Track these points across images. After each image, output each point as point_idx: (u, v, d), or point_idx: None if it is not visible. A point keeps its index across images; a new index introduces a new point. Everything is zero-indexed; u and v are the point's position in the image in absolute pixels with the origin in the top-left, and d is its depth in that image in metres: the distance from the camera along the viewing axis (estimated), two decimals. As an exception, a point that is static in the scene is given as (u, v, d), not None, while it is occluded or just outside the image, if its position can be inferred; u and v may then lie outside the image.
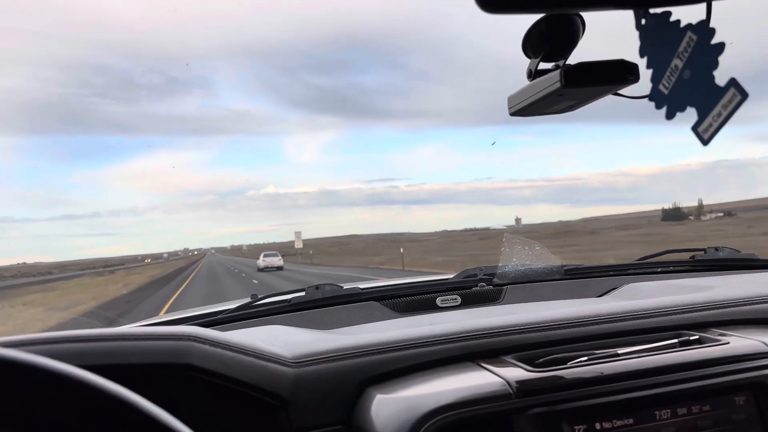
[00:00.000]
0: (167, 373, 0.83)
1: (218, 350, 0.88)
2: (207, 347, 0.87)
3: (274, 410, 0.91)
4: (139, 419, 0.43)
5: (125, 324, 1.67)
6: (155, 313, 9.78)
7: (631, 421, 0.87)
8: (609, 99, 0.93)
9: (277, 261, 41.54)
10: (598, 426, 0.86)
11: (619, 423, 0.87)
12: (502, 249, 1.71)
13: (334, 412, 0.92)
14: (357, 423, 0.90)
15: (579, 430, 0.85)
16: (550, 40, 0.90)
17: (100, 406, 0.43)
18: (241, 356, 0.90)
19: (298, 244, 48.96)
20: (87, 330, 0.79)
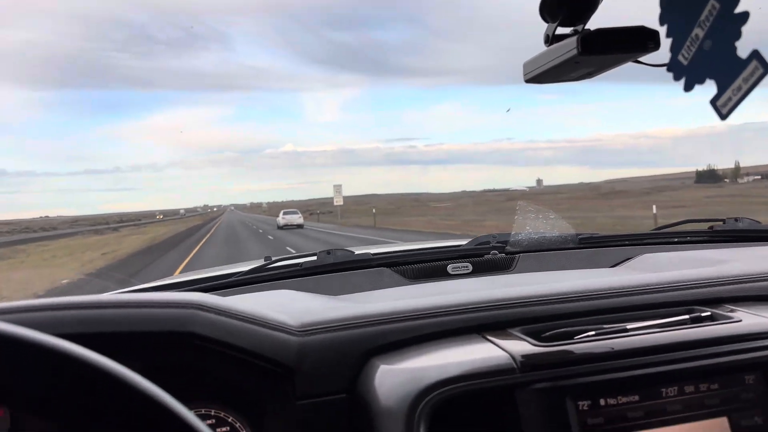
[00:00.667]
0: (171, 341, 0.83)
1: (222, 318, 0.88)
2: (211, 315, 0.87)
3: (278, 378, 0.91)
4: (121, 389, 0.42)
5: (136, 285, 1.69)
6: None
7: (636, 398, 0.86)
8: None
9: (297, 219, 41.09)
10: (602, 402, 0.85)
11: (624, 400, 0.86)
12: (516, 216, 1.69)
13: (338, 381, 0.92)
14: (360, 392, 0.90)
15: (583, 405, 0.85)
16: (568, 4, 0.87)
17: (87, 378, 0.42)
18: (246, 324, 0.90)
19: (338, 201, 43.91)
20: (89, 297, 0.80)
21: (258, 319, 0.92)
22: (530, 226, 1.68)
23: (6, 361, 0.41)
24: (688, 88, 0.76)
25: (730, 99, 0.71)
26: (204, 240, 30.98)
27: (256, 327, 0.91)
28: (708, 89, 0.74)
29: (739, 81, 0.70)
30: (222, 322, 0.87)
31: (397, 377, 0.87)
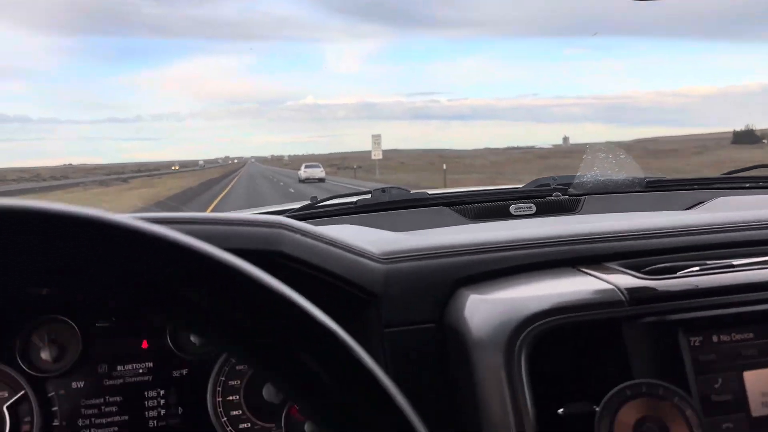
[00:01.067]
0: (258, 260, 0.78)
1: (310, 240, 0.84)
2: (299, 236, 0.82)
3: (363, 304, 0.87)
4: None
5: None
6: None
7: (751, 335, 0.80)
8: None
9: (319, 173, 40.23)
10: (715, 338, 0.80)
11: (738, 336, 0.80)
12: (583, 156, 1.61)
13: (425, 310, 0.88)
14: (449, 322, 0.86)
15: (695, 341, 0.79)
16: None
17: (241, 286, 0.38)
18: (333, 248, 0.85)
19: (377, 154, 38.59)
20: (182, 213, 0.75)
21: (342, 244, 0.88)
22: (597, 167, 1.61)
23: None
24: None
25: None
26: (221, 197, 26.67)
27: (341, 251, 0.86)
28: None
29: None
30: (309, 244, 0.83)
31: (491, 308, 0.82)
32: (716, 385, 0.78)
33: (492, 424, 0.77)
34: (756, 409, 0.78)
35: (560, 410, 0.75)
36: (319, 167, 42.23)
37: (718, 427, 0.76)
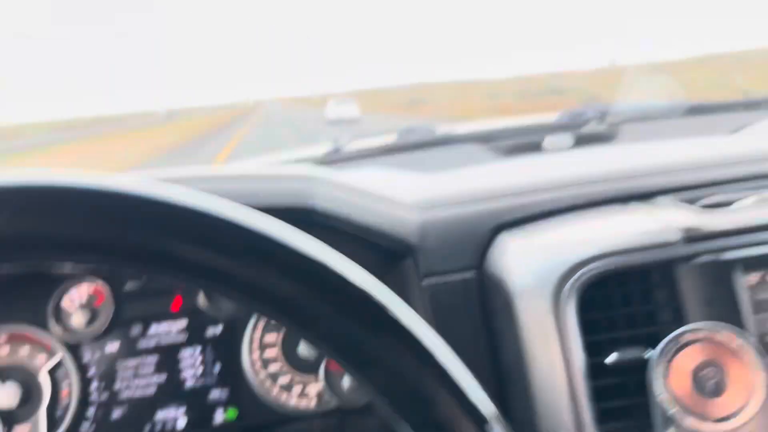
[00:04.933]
0: (288, 217, 0.75)
1: (341, 193, 0.80)
2: (330, 189, 0.78)
3: (400, 256, 0.84)
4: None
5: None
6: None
7: None
8: None
9: (352, 111, 29.37)
10: None
11: None
12: (620, 83, 1.53)
13: (464, 257, 0.84)
14: (491, 270, 0.82)
15: (753, 279, 0.74)
16: None
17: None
18: (365, 200, 0.81)
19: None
20: (204, 169, 0.72)
21: (375, 194, 0.83)
22: (634, 93, 1.53)
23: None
24: None
25: None
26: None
27: (374, 203, 0.82)
28: None
29: None
30: (341, 197, 0.79)
31: (537, 253, 0.78)
32: None
33: (539, 374, 0.74)
34: None
35: (610, 358, 0.71)
36: (352, 103, 30.94)
37: None
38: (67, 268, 0.90)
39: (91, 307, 0.91)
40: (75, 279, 0.91)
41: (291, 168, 0.81)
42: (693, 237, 0.75)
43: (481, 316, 0.83)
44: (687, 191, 0.88)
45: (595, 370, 0.72)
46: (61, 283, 0.91)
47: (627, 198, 0.87)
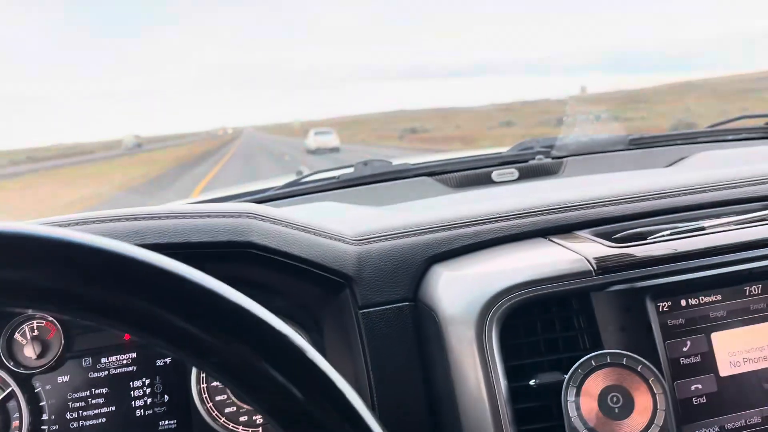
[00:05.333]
0: (227, 252, 0.79)
1: (279, 227, 0.84)
2: (268, 224, 0.83)
3: (337, 288, 0.88)
4: (214, 299, 0.38)
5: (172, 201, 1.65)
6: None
7: (719, 297, 0.81)
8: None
9: (332, 141, 31.54)
10: (683, 302, 0.81)
11: (706, 299, 0.81)
12: (563, 118, 1.60)
13: (400, 289, 0.89)
14: (424, 300, 0.87)
15: (663, 306, 0.80)
16: None
17: (169, 286, 0.38)
18: (303, 233, 0.86)
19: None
20: (145, 207, 0.76)
21: (313, 229, 0.88)
22: (578, 128, 1.60)
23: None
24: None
25: None
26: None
27: (312, 236, 0.87)
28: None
29: None
30: (278, 231, 0.83)
31: (464, 283, 0.83)
32: (685, 348, 0.79)
33: (466, 399, 0.79)
34: (724, 369, 0.79)
35: (532, 381, 0.76)
36: (331, 134, 33.29)
37: (688, 389, 0.78)
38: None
39: (41, 341, 0.93)
40: (26, 314, 0.94)
41: (230, 204, 0.85)
42: (606, 268, 0.81)
43: (416, 345, 0.88)
44: (607, 224, 0.94)
45: (519, 393, 0.77)
46: (12, 318, 0.94)
47: (551, 230, 0.93)
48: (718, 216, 0.94)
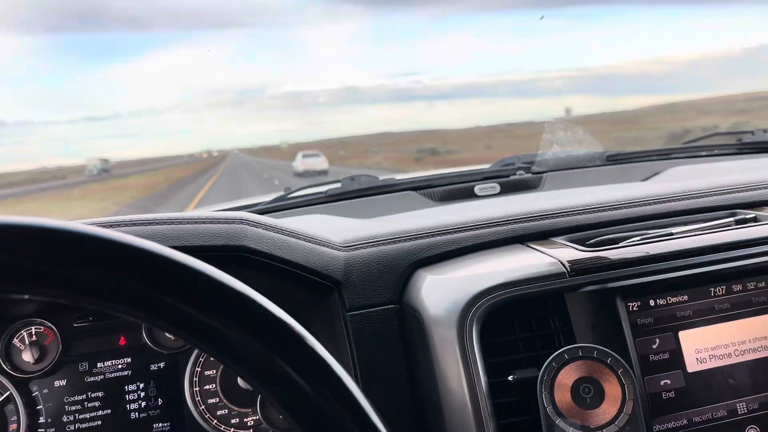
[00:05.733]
0: (221, 255, 0.83)
1: (271, 233, 0.88)
2: (260, 230, 0.87)
3: (326, 291, 0.92)
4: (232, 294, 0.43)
5: None
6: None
7: (685, 297, 0.86)
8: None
9: (321, 163, 31.50)
10: (652, 302, 0.86)
11: (673, 299, 0.86)
12: (543, 135, 1.67)
13: (386, 292, 0.93)
14: (409, 303, 0.91)
15: (633, 306, 0.85)
16: None
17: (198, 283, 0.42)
18: (293, 239, 0.90)
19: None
20: (143, 214, 0.80)
21: (303, 235, 0.93)
22: (557, 144, 1.67)
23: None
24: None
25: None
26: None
27: (302, 242, 0.91)
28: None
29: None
30: (271, 237, 0.88)
31: (446, 286, 0.88)
32: (654, 346, 0.84)
33: (449, 395, 0.83)
34: (691, 365, 0.84)
35: (510, 377, 0.81)
36: (319, 156, 33.29)
37: (657, 384, 0.82)
38: (14, 307, 0.96)
39: (39, 346, 0.97)
40: (25, 319, 0.98)
41: (225, 212, 0.90)
42: (580, 270, 0.86)
43: (401, 345, 0.92)
44: (581, 231, 0.99)
45: (499, 389, 0.81)
46: (11, 324, 0.97)
47: (528, 237, 0.98)
48: (686, 223, 0.99)
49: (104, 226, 0.78)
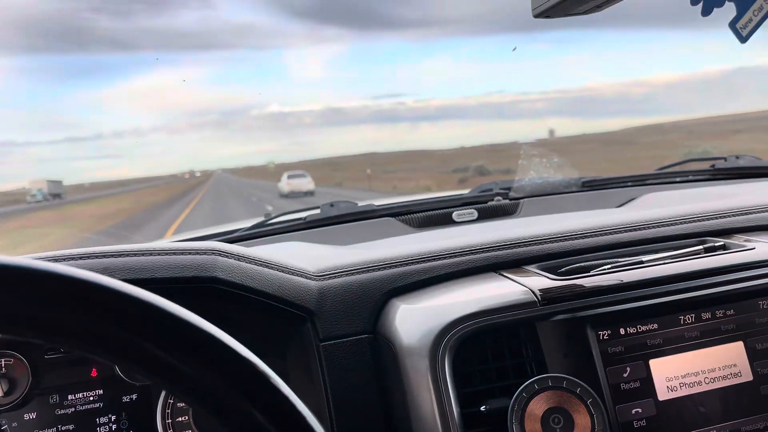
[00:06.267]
0: (193, 287, 0.83)
1: (243, 264, 0.88)
2: (232, 261, 0.87)
3: (299, 321, 0.92)
4: (184, 328, 0.42)
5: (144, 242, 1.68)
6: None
7: (655, 326, 0.87)
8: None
9: (307, 184, 30.07)
10: (622, 331, 0.86)
11: (643, 328, 0.87)
12: (519, 162, 1.69)
13: (359, 322, 0.93)
14: (383, 332, 0.91)
15: (603, 335, 0.86)
16: None
17: (142, 316, 0.42)
18: (266, 269, 0.90)
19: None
20: (113, 245, 0.79)
21: (276, 265, 0.93)
22: (533, 171, 1.69)
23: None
24: (706, 12, 0.74)
25: (750, 20, 0.70)
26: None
27: (275, 272, 0.91)
28: (726, 13, 0.73)
29: (760, 1, 0.69)
30: (242, 267, 0.88)
31: (419, 315, 0.88)
32: (625, 374, 0.85)
33: (422, 426, 0.83)
34: (662, 393, 0.85)
35: (482, 407, 0.81)
36: (305, 177, 31.52)
37: (628, 413, 0.83)
38: None
39: (9, 378, 0.95)
40: (-6, 351, 0.96)
41: (196, 243, 0.90)
42: (550, 299, 0.86)
43: (374, 375, 0.92)
44: (554, 259, 1.00)
45: (472, 419, 0.81)
46: None
47: (501, 265, 0.99)
48: (656, 251, 1.01)
49: (75, 258, 0.77)
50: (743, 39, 0.72)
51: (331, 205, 1.69)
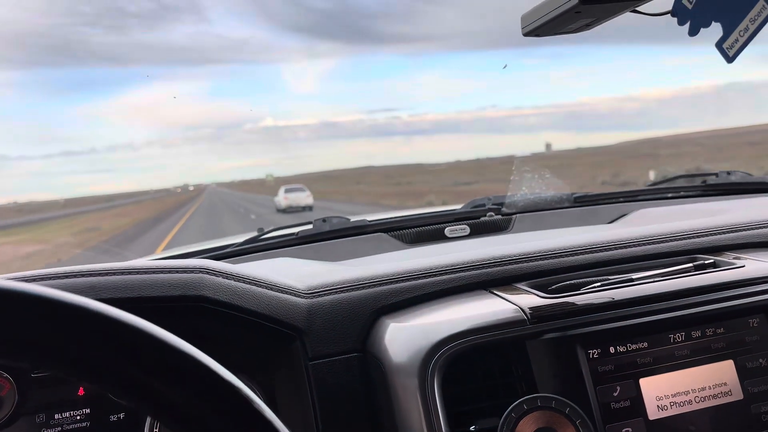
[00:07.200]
0: (180, 306, 0.83)
1: (231, 282, 0.88)
2: (220, 279, 0.86)
3: (288, 340, 0.92)
4: (166, 351, 0.42)
5: (133, 258, 1.67)
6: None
7: (645, 344, 0.87)
8: (623, 17, 0.89)
9: (305, 198, 29.12)
10: (612, 350, 0.86)
11: (633, 347, 0.87)
12: (511, 177, 1.69)
13: (348, 340, 0.92)
14: (372, 350, 0.91)
15: (593, 354, 0.86)
16: None
17: (122, 338, 0.41)
18: (254, 287, 0.90)
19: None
20: (99, 264, 0.79)
21: (265, 283, 0.92)
22: (525, 186, 1.69)
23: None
24: (693, 32, 0.75)
25: (736, 40, 0.71)
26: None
27: (263, 290, 0.91)
28: (713, 33, 0.74)
29: (746, 21, 0.69)
30: (231, 286, 0.87)
31: (408, 334, 0.87)
32: (615, 393, 0.84)
33: None
34: (652, 413, 0.84)
35: (472, 428, 0.80)
36: (304, 191, 30.50)
37: None
38: None
39: None
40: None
41: (184, 261, 0.89)
42: (540, 317, 0.86)
43: (363, 394, 0.91)
44: (544, 277, 1.00)
45: None
46: None
47: (491, 283, 0.99)
48: (647, 269, 1.01)
49: (62, 277, 0.77)
50: (730, 59, 0.73)
51: (324, 220, 1.68)
